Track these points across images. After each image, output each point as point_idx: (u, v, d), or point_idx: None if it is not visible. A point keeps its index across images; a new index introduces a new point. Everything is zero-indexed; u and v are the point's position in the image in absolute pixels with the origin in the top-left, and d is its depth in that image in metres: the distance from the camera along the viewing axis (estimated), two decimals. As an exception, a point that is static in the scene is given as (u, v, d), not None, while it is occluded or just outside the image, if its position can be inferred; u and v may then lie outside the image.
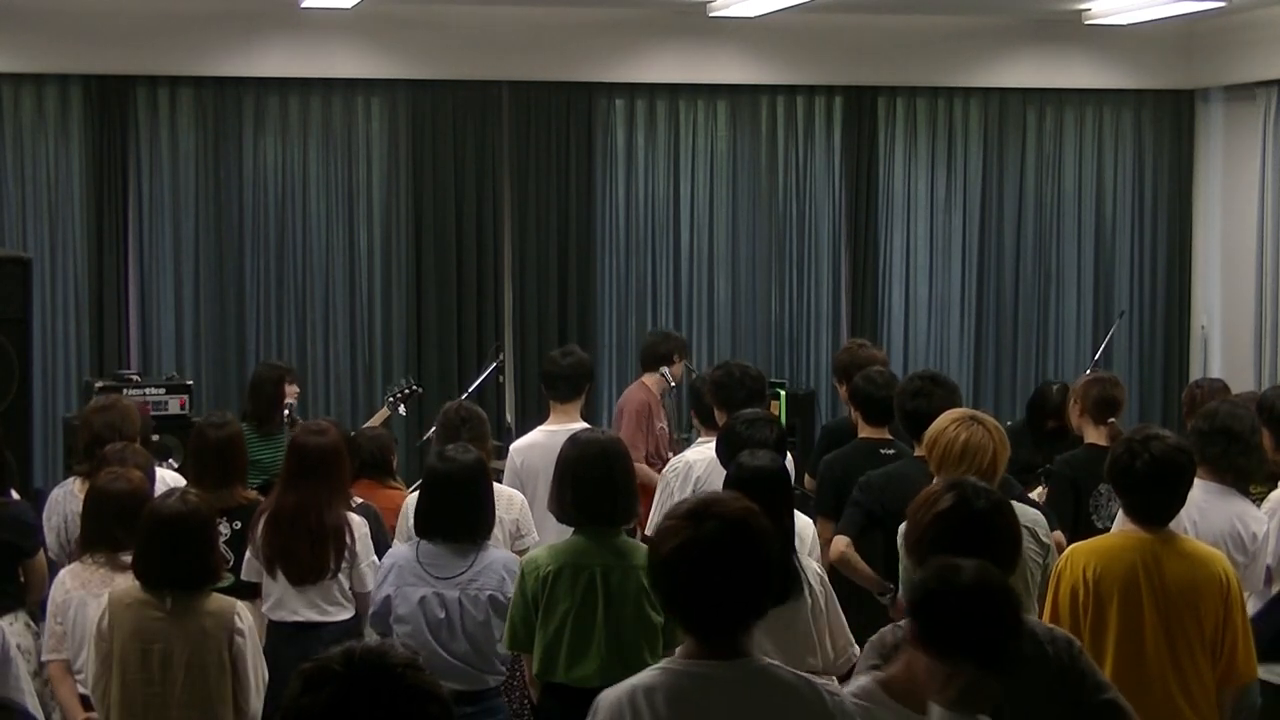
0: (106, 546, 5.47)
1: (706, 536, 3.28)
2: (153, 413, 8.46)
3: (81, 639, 5.40)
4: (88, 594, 5.43)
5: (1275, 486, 5.96)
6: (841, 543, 6.13)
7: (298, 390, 8.73)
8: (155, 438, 7.56)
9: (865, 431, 6.78)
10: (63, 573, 5.64)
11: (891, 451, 6.49)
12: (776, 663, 3.49)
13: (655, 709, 3.31)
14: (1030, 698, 3.92)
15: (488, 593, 5.49)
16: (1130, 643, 4.67)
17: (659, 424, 8.46)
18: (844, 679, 5.62)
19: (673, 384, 8.62)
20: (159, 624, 4.95)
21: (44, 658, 5.64)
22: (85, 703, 5.41)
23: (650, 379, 8.64)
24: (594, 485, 5.16)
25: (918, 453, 6.03)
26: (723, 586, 3.29)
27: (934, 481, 5.26)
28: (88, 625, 5.34)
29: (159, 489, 5.79)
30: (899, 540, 5.43)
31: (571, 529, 5.28)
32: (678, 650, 3.41)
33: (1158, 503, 4.75)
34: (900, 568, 5.46)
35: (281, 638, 5.95)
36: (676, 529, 3.33)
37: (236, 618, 5.01)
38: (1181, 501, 4.82)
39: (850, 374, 7.16)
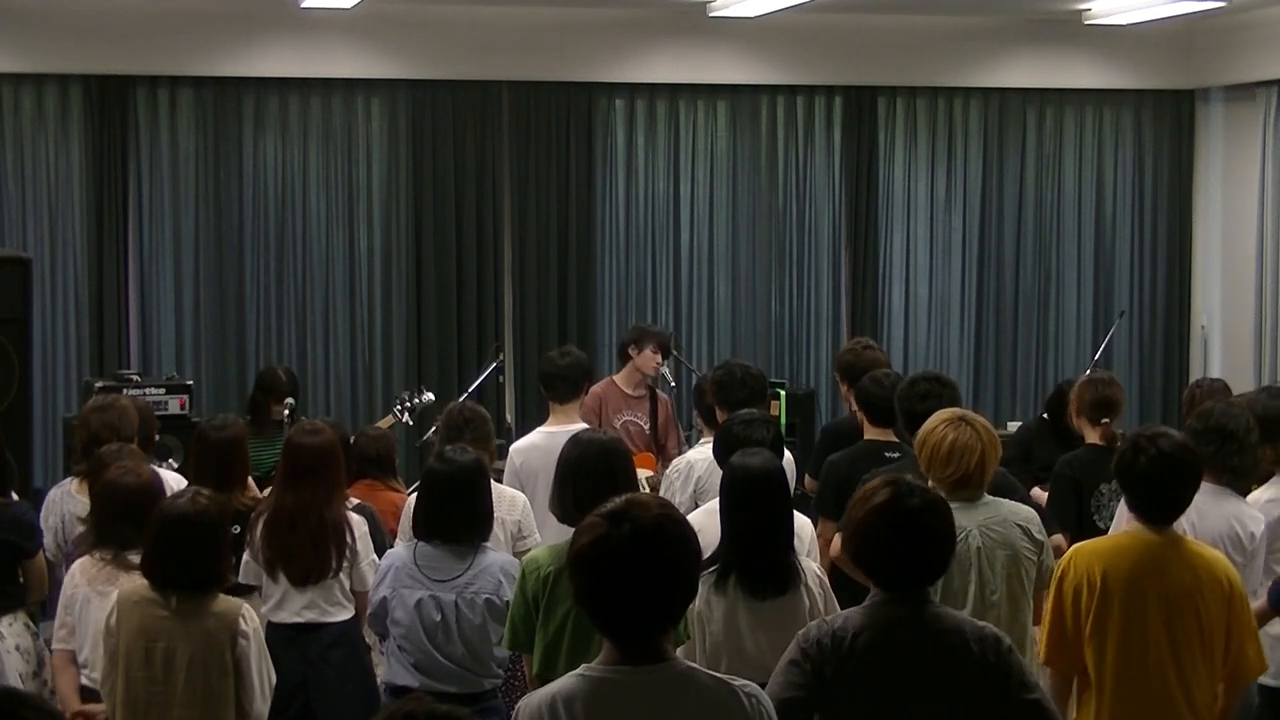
0: (114, 543, 5.45)
1: (619, 540, 3.28)
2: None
3: (85, 634, 5.41)
4: (93, 590, 5.42)
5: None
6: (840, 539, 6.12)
7: (291, 403, 8.49)
8: (156, 437, 7.54)
9: (870, 433, 6.73)
10: (74, 566, 5.62)
11: (897, 454, 6.47)
12: (696, 666, 3.48)
13: (574, 717, 3.32)
14: (955, 694, 3.91)
15: (484, 596, 5.48)
16: (1133, 641, 4.68)
17: (623, 418, 8.42)
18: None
19: (647, 376, 8.55)
20: (163, 623, 4.95)
21: (53, 646, 5.64)
22: (91, 695, 5.41)
23: (620, 375, 8.65)
24: (596, 485, 5.14)
25: None
26: (632, 591, 3.29)
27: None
28: (91, 622, 5.35)
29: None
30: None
31: (573, 529, 5.26)
32: (599, 656, 3.39)
33: (1163, 500, 4.77)
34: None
35: (281, 640, 5.92)
36: (593, 527, 3.34)
37: (241, 619, 5.00)
38: (1187, 500, 4.83)
39: (855, 375, 7.12)
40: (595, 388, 8.56)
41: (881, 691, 3.90)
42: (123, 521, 5.41)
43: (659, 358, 8.59)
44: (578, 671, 3.39)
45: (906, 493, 3.97)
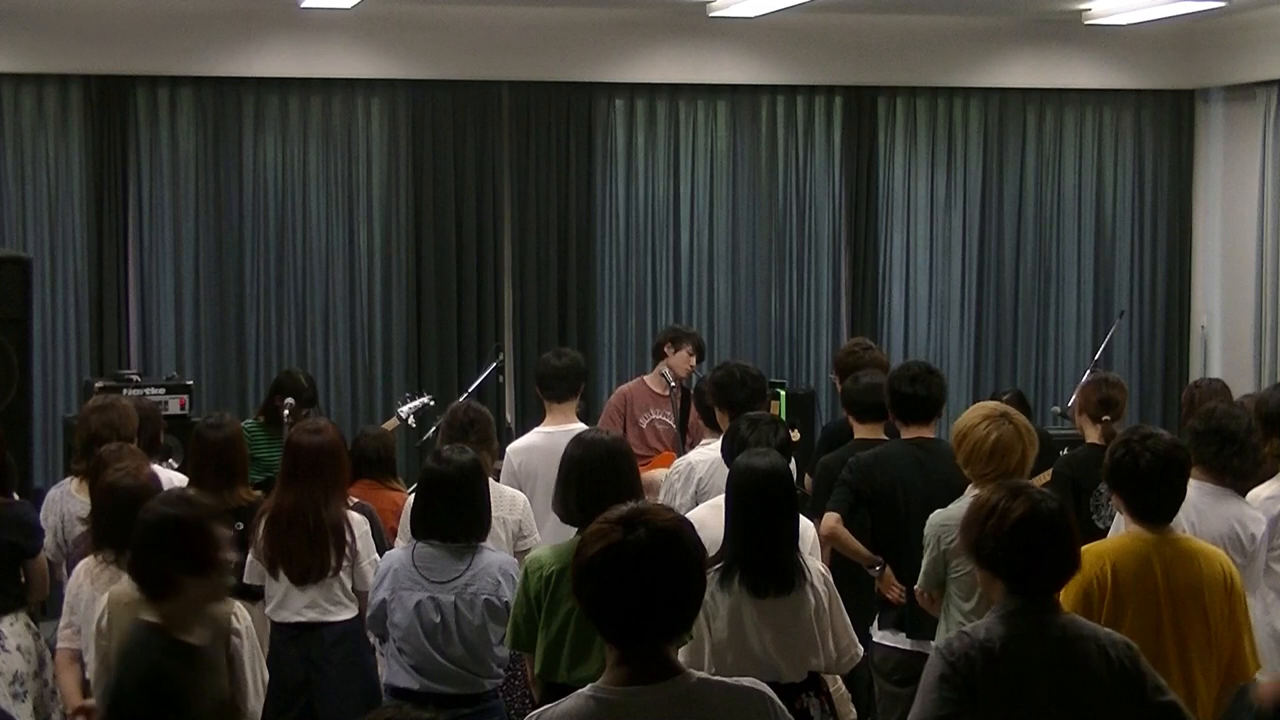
0: (114, 544, 5.45)
1: (634, 544, 3.15)
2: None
3: (90, 634, 5.40)
4: (96, 590, 5.43)
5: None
6: (832, 519, 6.27)
7: (291, 402, 8.52)
8: (163, 438, 7.54)
9: (860, 432, 6.94)
10: (78, 567, 5.63)
11: (886, 450, 6.57)
12: (706, 676, 3.36)
13: None
14: (1092, 701, 3.94)
15: (483, 597, 5.46)
16: (1145, 641, 4.66)
17: (649, 417, 8.44)
18: (847, 678, 5.66)
19: (672, 383, 8.57)
20: (154, 623, 4.94)
21: (58, 645, 5.64)
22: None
23: (651, 375, 8.69)
24: (599, 485, 5.14)
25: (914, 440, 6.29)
26: (646, 596, 3.16)
27: (978, 490, 5.28)
28: (94, 621, 5.35)
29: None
30: (924, 538, 5.50)
31: (575, 529, 5.26)
32: (604, 675, 3.26)
33: (1163, 500, 4.80)
34: (927, 560, 5.51)
35: (284, 639, 5.94)
36: (605, 533, 3.20)
37: (233, 618, 4.98)
38: (1182, 498, 4.86)
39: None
40: (623, 387, 8.63)
41: (1027, 699, 3.92)
42: (123, 522, 5.40)
43: (694, 360, 8.67)
44: (585, 692, 3.25)
45: (1040, 499, 4.03)
